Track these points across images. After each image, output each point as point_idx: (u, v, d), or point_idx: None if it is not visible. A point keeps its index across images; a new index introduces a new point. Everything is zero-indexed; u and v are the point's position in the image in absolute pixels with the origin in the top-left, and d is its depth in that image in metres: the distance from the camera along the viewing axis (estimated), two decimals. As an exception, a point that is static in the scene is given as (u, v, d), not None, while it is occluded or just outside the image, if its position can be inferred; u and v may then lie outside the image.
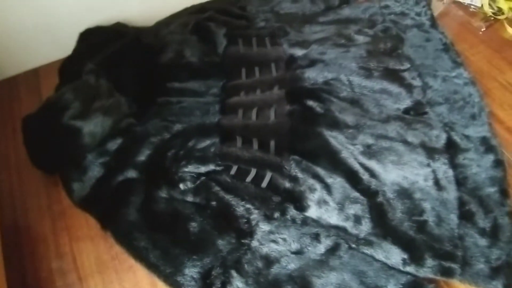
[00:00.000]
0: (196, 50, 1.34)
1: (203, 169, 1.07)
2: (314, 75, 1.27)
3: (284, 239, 1.01)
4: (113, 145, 1.16)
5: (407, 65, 1.36)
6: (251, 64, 1.34)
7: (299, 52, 1.37)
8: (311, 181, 1.06)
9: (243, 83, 1.29)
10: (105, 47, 1.28)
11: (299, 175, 1.07)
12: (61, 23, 1.42)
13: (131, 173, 1.12)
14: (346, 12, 1.54)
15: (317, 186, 1.06)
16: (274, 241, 1.00)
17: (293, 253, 0.99)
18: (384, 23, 1.50)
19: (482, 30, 1.57)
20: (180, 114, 1.20)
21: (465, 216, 1.04)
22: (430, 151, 1.13)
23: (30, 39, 1.44)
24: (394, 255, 0.96)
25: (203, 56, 1.34)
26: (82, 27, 1.43)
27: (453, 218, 1.03)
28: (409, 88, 1.30)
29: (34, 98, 1.40)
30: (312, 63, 1.32)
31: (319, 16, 1.52)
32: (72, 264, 1.04)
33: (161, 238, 1.01)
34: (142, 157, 1.13)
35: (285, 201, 1.05)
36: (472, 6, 1.65)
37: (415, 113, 1.25)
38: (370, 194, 1.05)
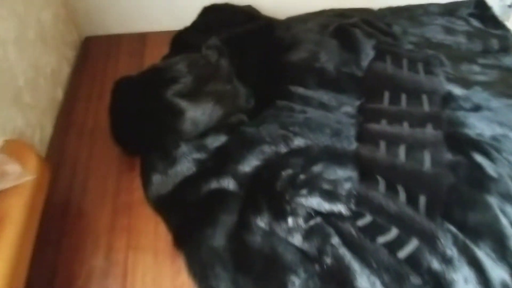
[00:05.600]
0: (335, 56, 1.09)
1: (327, 207, 0.80)
2: (481, 125, 0.97)
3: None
4: (215, 141, 0.93)
5: None
6: (397, 88, 1.07)
7: (458, 91, 1.08)
8: (466, 271, 0.75)
9: (386, 109, 1.02)
10: (232, 26, 1.06)
11: (455, 256, 0.76)
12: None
13: (229, 183, 0.87)
14: (507, 61, 1.25)
15: (473, 279, 0.74)
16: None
17: None
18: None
19: None
20: (304, 126, 0.94)
21: None
22: None
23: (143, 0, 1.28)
24: None
25: (341, 65, 1.09)
26: (203, 2, 1.24)
27: None
28: None
29: (134, 63, 1.21)
30: (477, 108, 1.02)
31: (478, 57, 1.25)
32: (120, 279, 0.78)
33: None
34: (246, 167, 0.88)
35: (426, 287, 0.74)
36: None
37: None
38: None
